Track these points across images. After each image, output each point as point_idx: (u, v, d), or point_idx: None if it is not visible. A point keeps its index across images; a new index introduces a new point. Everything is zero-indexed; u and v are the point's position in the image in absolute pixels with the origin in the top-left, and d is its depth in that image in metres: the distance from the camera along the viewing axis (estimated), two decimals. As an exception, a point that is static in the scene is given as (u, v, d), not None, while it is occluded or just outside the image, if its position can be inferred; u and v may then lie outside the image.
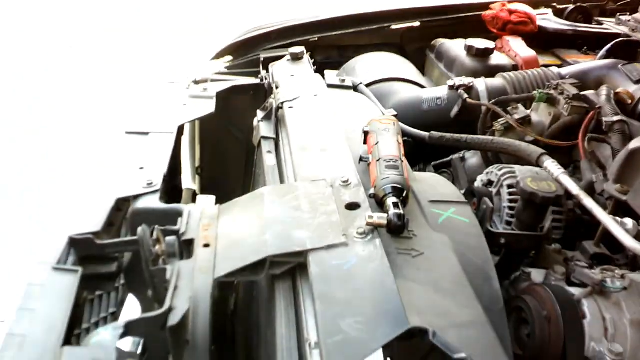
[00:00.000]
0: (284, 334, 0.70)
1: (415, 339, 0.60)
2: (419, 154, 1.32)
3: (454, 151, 1.44)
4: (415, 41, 2.06)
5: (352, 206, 0.85)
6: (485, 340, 0.65)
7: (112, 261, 0.93)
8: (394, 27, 2.05)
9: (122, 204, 0.99)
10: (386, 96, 1.52)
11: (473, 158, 1.41)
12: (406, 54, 1.96)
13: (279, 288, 0.77)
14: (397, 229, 0.79)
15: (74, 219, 0.94)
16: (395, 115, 1.16)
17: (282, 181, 1.04)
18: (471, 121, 1.44)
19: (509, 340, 0.76)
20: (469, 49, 1.74)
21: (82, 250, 0.89)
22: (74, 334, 0.78)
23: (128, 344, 0.75)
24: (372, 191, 0.86)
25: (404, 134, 1.21)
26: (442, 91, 1.56)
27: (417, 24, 2.06)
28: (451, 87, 1.53)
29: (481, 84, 1.54)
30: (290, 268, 0.77)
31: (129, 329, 0.71)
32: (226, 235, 0.85)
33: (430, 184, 0.95)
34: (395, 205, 0.81)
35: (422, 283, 0.72)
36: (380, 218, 0.79)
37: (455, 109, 1.49)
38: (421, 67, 1.93)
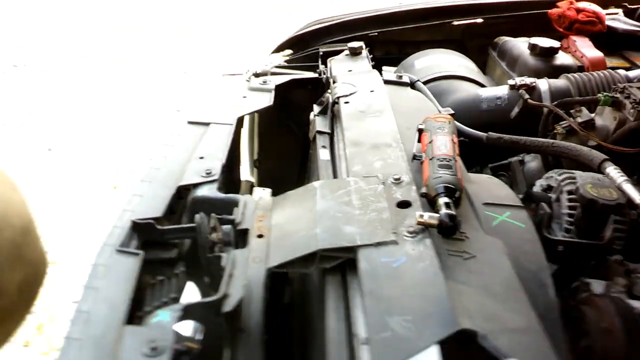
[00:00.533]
0: (335, 327, 0.72)
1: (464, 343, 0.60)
2: (475, 154, 1.30)
3: (512, 153, 1.41)
4: (477, 38, 2.02)
5: (403, 204, 0.86)
6: (538, 348, 0.64)
7: (173, 247, 0.97)
8: (455, 23, 2.02)
9: (182, 192, 1.03)
10: (444, 94, 1.51)
11: (533, 162, 1.37)
12: (467, 51, 1.92)
13: (330, 282, 0.79)
14: (448, 230, 0.79)
15: (138, 204, 0.99)
16: (452, 114, 1.15)
17: (335, 176, 1.06)
18: (532, 123, 1.41)
19: (563, 349, 0.75)
20: (533, 47, 1.69)
21: (144, 234, 0.94)
22: (136, 316, 0.82)
23: (186, 328, 0.79)
24: (423, 190, 0.87)
25: (460, 133, 1.19)
26: (502, 90, 1.53)
27: (479, 20, 2.02)
28: (512, 87, 1.50)
29: (544, 85, 1.50)
30: (341, 263, 0.79)
31: (187, 313, 0.75)
32: (279, 227, 0.87)
33: (486, 186, 0.94)
34: (447, 205, 0.81)
35: (473, 286, 0.72)
36: (431, 218, 0.79)
37: (516, 110, 1.46)
38: (482, 65, 1.90)
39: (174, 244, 0.97)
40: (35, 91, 4.09)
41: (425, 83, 1.48)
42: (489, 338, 0.57)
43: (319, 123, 1.26)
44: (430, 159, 0.92)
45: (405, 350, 0.60)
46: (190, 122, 1.28)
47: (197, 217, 0.88)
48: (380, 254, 0.76)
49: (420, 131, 1.03)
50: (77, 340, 0.71)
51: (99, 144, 3.57)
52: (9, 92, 4.05)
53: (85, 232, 2.77)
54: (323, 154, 1.14)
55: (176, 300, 0.91)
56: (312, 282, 0.83)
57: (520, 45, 1.76)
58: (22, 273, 0.38)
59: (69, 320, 0.75)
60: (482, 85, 1.64)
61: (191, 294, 1.00)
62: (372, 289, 0.70)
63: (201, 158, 1.12)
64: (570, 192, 1.02)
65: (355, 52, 1.57)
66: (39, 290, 0.41)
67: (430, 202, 0.86)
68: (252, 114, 1.40)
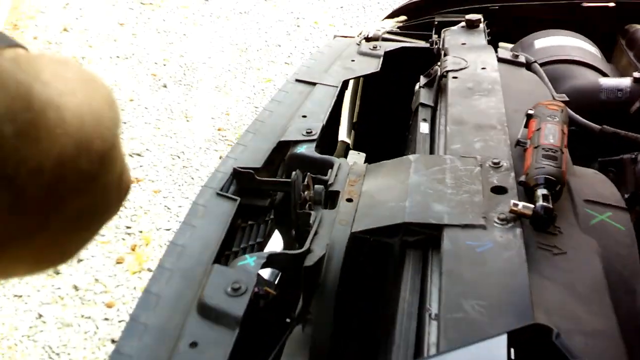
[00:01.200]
0: (407, 298, 0.74)
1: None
2: (585, 146, 1.23)
3: (626, 150, 1.31)
4: (607, 23, 1.86)
5: (498, 190, 0.84)
6: (613, 355, 0.62)
7: (266, 197, 1.02)
8: (585, 4, 1.87)
9: (282, 147, 1.08)
10: (561, 79, 1.42)
11: (647, 162, 1.27)
12: (593, 36, 1.79)
13: (410, 255, 0.80)
14: (541, 223, 0.77)
15: (240, 153, 1.05)
16: (566, 102, 1.09)
17: (432, 151, 1.05)
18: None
19: None
20: (669, 39, 1.55)
21: (242, 182, 1.00)
22: (224, 254, 0.88)
23: (268, 275, 0.85)
24: (522, 178, 0.84)
25: (573, 122, 1.13)
26: (625, 82, 1.41)
27: (611, 4, 1.86)
28: (637, 80, 1.38)
29: (675, 82, 1.37)
30: (424, 238, 0.80)
31: (270, 261, 0.80)
32: (369, 194, 0.89)
33: (590, 182, 0.90)
34: (545, 197, 0.78)
35: (557, 283, 0.70)
36: (525, 208, 0.77)
37: (637, 105, 1.35)
38: (607, 53, 1.76)
39: (268, 194, 1.02)
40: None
41: (542, 65, 1.40)
42: (563, 337, 0.56)
43: (424, 95, 1.24)
44: (535, 147, 0.89)
45: (474, 333, 0.60)
46: (297, 80, 1.31)
47: (294, 174, 0.92)
48: (466, 237, 0.76)
49: (529, 117, 0.99)
50: (168, 270, 0.78)
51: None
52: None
53: (190, 170, 2.96)
54: (423, 127, 1.14)
55: (262, 245, 0.97)
56: (393, 253, 0.84)
57: (654, 35, 1.61)
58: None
59: (164, 251, 0.82)
60: (604, 75, 1.53)
61: (276, 241, 1.06)
62: (451, 269, 0.71)
63: (304, 117, 1.16)
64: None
65: (472, 25, 1.52)
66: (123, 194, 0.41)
67: (528, 192, 0.83)
68: (357, 78, 1.41)
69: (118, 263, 2.34)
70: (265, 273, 0.83)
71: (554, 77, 1.37)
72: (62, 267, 2.28)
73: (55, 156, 0.31)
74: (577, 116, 1.21)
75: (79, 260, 2.32)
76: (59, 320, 2.08)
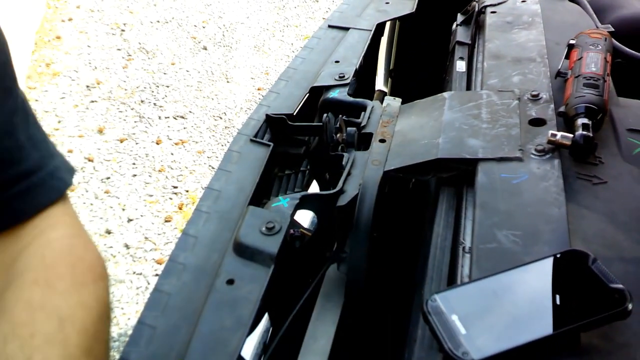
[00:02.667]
0: (441, 233, 0.73)
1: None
2: (632, 79, 1.17)
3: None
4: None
5: (537, 122, 0.81)
6: (654, 283, 0.60)
7: (301, 144, 1.02)
8: None
9: (315, 93, 1.07)
10: (608, 9, 1.34)
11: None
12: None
13: (444, 191, 0.79)
14: (581, 152, 0.74)
15: (273, 100, 1.05)
16: (611, 33, 1.03)
17: (468, 89, 1.02)
18: None
19: None
20: None
21: (276, 128, 1.00)
22: (262, 201, 0.90)
23: (303, 216, 0.85)
24: (562, 109, 0.81)
25: (619, 54, 1.07)
26: (682, 10, 1.32)
27: None
28: (695, 7, 1.29)
29: None
30: (458, 174, 0.78)
31: (304, 201, 0.80)
32: (402, 133, 0.88)
33: (635, 112, 0.85)
34: (585, 126, 0.75)
35: (597, 212, 0.68)
36: (564, 138, 0.74)
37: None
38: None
39: (302, 141, 1.02)
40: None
41: (588, -4, 1.33)
42: (600, 263, 0.54)
43: (461, 33, 1.20)
44: (576, 77, 0.85)
45: (508, 263, 0.59)
46: (330, 26, 1.29)
47: (325, 117, 0.91)
48: (501, 169, 0.74)
49: (571, 47, 0.94)
50: (205, 213, 0.80)
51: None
52: None
53: (232, 130, 3.00)
54: (459, 66, 1.10)
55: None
56: (427, 190, 0.83)
57: None
58: None
59: (201, 196, 0.84)
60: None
61: (313, 190, 1.06)
62: (485, 202, 0.69)
63: (336, 62, 1.14)
64: None
65: (512, -41, 1.44)
66: None
67: (568, 123, 0.80)
68: (393, 20, 1.37)
69: (166, 221, 2.42)
70: (302, 216, 0.84)
71: (599, 7, 1.29)
72: (114, 227, 2.38)
73: None
74: (624, 47, 1.14)
75: (129, 220, 2.41)
76: (112, 277, 2.18)
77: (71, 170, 0.66)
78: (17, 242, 0.58)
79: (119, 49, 3.68)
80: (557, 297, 0.53)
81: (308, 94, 1.07)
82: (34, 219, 0.59)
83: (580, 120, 0.76)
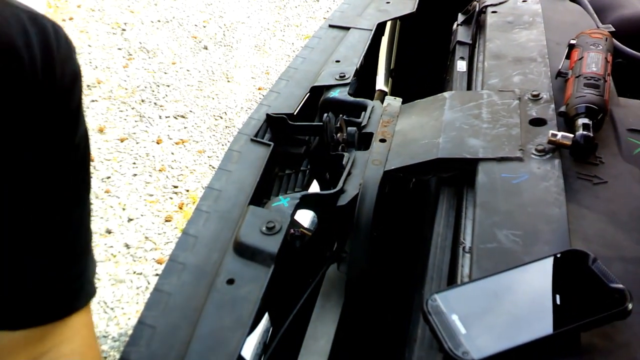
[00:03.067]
0: (441, 233, 0.73)
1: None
2: (633, 79, 1.17)
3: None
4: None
5: (537, 122, 0.81)
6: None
7: (301, 144, 1.02)
8: None
9: (316, 93, 1.07)
10: (608, 9, 1.34)
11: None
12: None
13: (444, 191, 0.79)
14: (581, 152, 0.74)
15: (274, 100, 1.05)
16: (612, 33, 1.03)
17: (469, 89, 1.02)
18: None
19: None
20: None
21: (276, 128, 1.00)
22: (262, 200, 0.89)
23: (303, 216, 0.85)
24: (562, 109, 0.81)
25: (619, 54, 1.07)
26: (683, 11, 1.32)
27: None
28: (696, 6, 1.28)
29: None
30: (459, 174, 0.78)
31: (304, 201, 0.80)
32: (402, 133, 0.88)
33: (635, 112, 0.85)
34: (586, 126, 0.75)
35: (597, 212, 0.68)
36: (564, 137, 0.74)
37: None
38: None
39: (303, 140, 1.02)
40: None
41: (589, -4, 1.32)
42: (599, 263, 0.54)
43: (461, 33, 1.20)
44: (577, 77, 0.85)
45: (508, 263, 0.59)
46: (331, 26, 1.29)
47: (325, 116, 0.91)
48: (502, 169, 0.74)
49: (571, 47, 0.94)
50: (205, 213, 0.80)
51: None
52: None
53: (233, 130, 3.00)
54: (460, 66, 1.10)
55: (299, 194, 0.97)
56: (427, 190, 0.83)
57: None
58: None
59: (201, 195, 0.84)
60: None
61: (314, 191, 1.06)
62: (485, 201, 0.69)
63: (337, 62, 1.14)
64: None
65: (513, -41, 1.44)
66: None
67: (568, 123, 0.80)
68: (394, 20, 1.37)
69: (167, 221, 2.42)
70: (305, 220, 0.84)
71: (600, 7, 1.29)
72: (114, 227, 2.38)
73: None
74: (624, 47, 1.14)
75: (130, 220, 2.41)
76: (112, 277, 2.17)
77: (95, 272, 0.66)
78: (36, 346, 0.57)
79: (119, 49, 3.68)
80: (557, 296, 0.53)
81: (309, 94, 1.07)
82: (61, 322, 0.58)
83: (581, 120, 0.76)
